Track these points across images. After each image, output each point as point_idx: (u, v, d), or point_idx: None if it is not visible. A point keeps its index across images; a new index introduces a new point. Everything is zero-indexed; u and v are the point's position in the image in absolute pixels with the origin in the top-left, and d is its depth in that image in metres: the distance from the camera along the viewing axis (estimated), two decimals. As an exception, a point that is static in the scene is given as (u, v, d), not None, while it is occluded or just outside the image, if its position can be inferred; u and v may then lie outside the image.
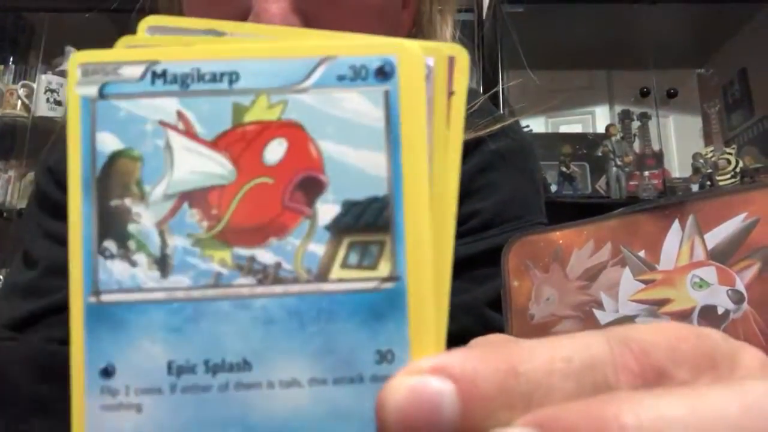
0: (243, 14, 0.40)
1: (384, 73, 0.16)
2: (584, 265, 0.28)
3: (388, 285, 0.15)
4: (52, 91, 1.88)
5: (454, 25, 0.53)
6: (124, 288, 0.15)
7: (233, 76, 0.16)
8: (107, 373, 0.15)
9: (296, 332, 0.15)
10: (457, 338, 0.15)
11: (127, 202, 0.15)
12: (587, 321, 0.27)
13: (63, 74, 1.92)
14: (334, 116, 0.16)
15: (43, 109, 1.86)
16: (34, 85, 1.90)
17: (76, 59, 0.16)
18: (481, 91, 1.40)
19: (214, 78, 0.16)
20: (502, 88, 1.61)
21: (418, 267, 0.15)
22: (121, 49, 0.16)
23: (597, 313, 0.27)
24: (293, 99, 0.16)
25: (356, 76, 0.16)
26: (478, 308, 0.44)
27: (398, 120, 0.15)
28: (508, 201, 0.50)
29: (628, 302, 0.27)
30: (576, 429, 0.12)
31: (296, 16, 0.40)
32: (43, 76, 1.90)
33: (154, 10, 0.54)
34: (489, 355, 0.13)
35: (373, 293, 0.15)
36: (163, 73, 0.15)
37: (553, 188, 1.80)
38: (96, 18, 1.45)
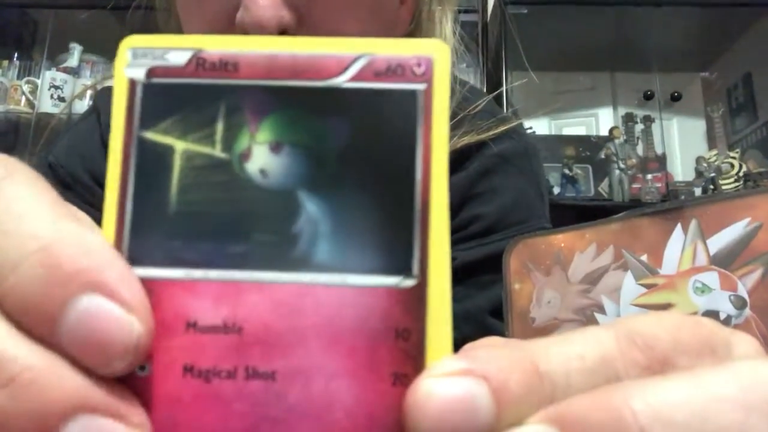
0: (234, 7, 0.40)
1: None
2: (586, 268, 0.28)
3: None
4: (56, 87, 1.88)
5: (454, 21, 0.53)
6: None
7: None
8: None
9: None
10: (456, 346, 0.15)
11: None
12: (589, 325, 0.27)
13: (67, 71, 1.92)
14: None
15: (47, 105, 1.86)
16: (38, 81, 1.90)
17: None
18: (485, 92, 1.40)
19: None
20: (506, 90, 1.61)
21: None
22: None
23: (598, 317, 0.27)
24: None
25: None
26: (479, 316, 0.43)
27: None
28: (510, 205, 0.49)
29: (629, 306, 0.27)
30: (590, 419, 0.12)
31: (287, 9, 0.39)
32: (48, 73, 1.90)
33: (152, 7, 0.54)
34: (513, 355, 0.13)
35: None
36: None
37: (556, 190, 1.80)
38: (100, 15, 1.45)
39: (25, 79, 1.93)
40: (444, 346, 0.15)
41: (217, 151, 0.16)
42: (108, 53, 1.89)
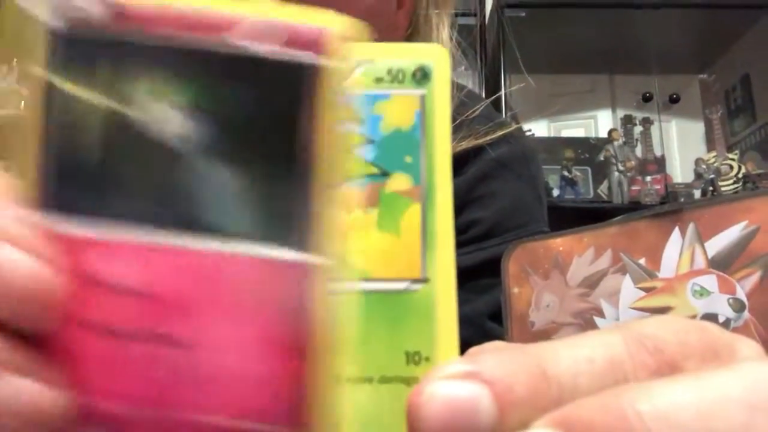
0: None
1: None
2: (584, 272, 0.28)
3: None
4: (56, 92, 1.88)
5: (451, 26, 0.53)
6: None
7: None
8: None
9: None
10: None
11: None
12: (587, 329, 0.27)
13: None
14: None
15: (46, 110, 1.86)
16: (38, 86, 1.91)
17: None
18: (483, 95, 1.40)
19: None
20: (504, 93, 1.61)
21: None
22: None
23: (597, 320, 0.27)
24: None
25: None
26: (479, 320, 0.43)
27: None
28: (509, 210, 0.49)
29: (628, 310, 0.27)
30: (596, 422, 0.12)
31: None
32: (47, 77, 1.90)
33: None
34: (519, 359, 0.13)
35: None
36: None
37: (555, 192, 1.80)
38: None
39: (25, 83, 1.94)
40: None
41: (130, 111, 0.15)
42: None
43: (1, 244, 0.13)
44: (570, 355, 0.13)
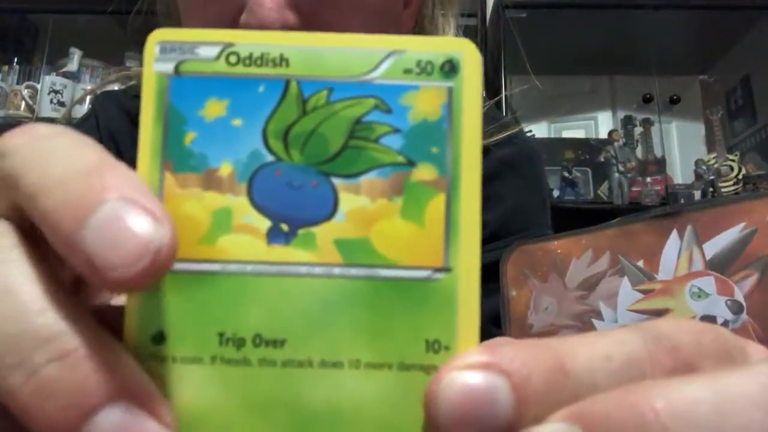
0: (238, 9, 0.40)
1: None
2: (583, 274, 0.28)
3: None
4: (56, 92, 1.88)
5: (456, 27, 0.53)
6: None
7: None
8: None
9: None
10: None
11: None
12: (586, 331, 0.27)
13: (67, 75, 1.92)
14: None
15: (46, 110, 1.86)
16: (38, 86, 1.91)
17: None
18: (484, 95, 1.40)
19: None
20: (505, 94, 1.61)
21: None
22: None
23: (596, 323, 0.27)
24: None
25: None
26: (483, 324, 0.43)
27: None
28: (513, 213, 0.49)
29: (626, 312, 0.27)
30: (612, 417, 0.12)
31: (291, 11, 0.40)
32: (47, 77, 1.90)
33: (152, 12, 0.54)
34: (538, 351, 0.13)
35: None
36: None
37: (555, 193, 1.80)
38: (100, 19, 1.46)
39: (25, 83, 1.93)
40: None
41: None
42: (108, 58, 1.90)
43: (119, 201, 0.13)
44: (588, 352, 0.14)
